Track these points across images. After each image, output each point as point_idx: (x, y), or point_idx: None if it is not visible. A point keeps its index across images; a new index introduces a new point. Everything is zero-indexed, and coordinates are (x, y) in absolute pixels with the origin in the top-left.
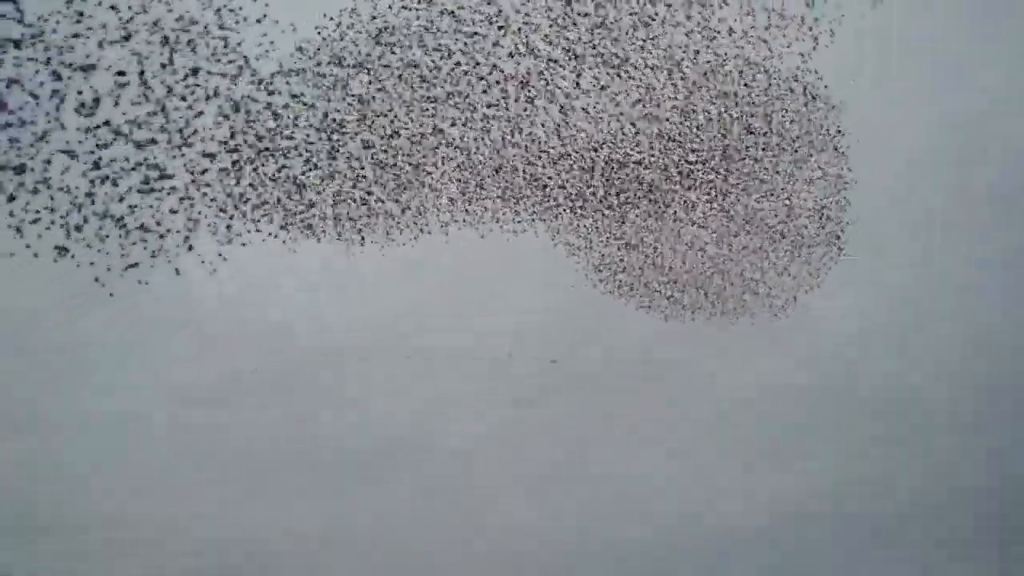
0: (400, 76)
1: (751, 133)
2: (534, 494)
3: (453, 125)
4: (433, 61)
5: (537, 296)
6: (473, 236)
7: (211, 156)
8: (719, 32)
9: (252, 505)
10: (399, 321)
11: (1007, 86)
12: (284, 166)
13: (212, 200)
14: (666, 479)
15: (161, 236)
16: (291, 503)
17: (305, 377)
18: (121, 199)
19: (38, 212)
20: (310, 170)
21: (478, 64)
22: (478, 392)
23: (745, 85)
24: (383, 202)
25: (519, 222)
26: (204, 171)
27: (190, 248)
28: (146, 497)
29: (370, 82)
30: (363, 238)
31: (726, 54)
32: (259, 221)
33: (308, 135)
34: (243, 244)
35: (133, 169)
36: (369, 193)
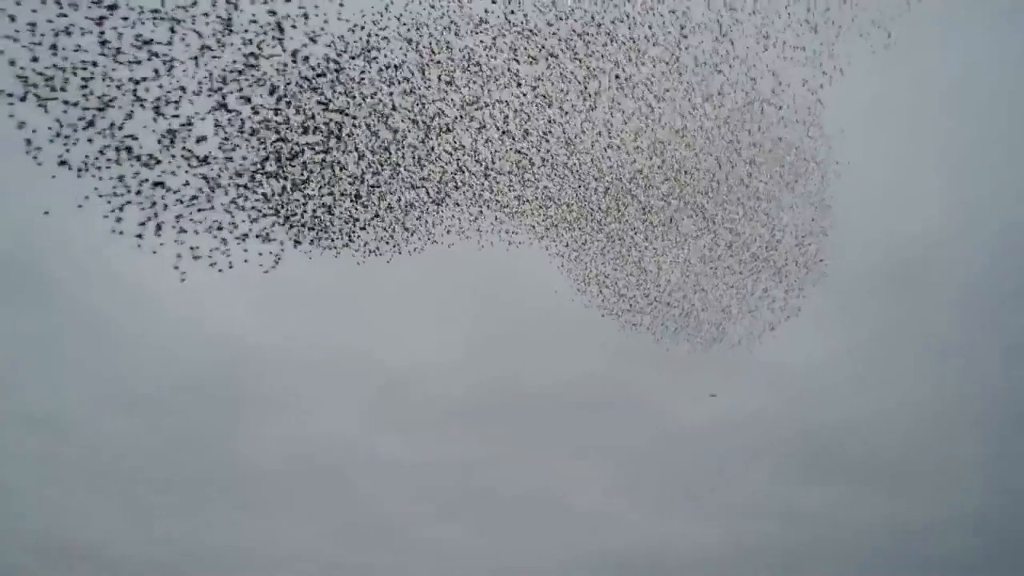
0: (429, 86)
1: (749, 163)
2: (472, 511)
3: (480, 131)
4: (464, 75)
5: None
6: (472, 247)
7: (288, 159)
8: (732, 60)
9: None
10: (355, 334)
11: (998, 123)
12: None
13: (268, 205)
14: (621, 496)
15: (221, 230)
16: (228, 515)
17: (251, 385)
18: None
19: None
20: (366, 184)
21: (497, 79)
22: (434, 406)
23: (748, 112)
24: (420, 217)
25: (516, 233)
26: (257, 175)
27: (267, 239)
28: (82, 498)
29: (413, 102)
30: (377, 248)
31: (735, 84)
32: (292, 228)
33: (365, 149)
34: (297, 243)
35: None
36: (408, 209)
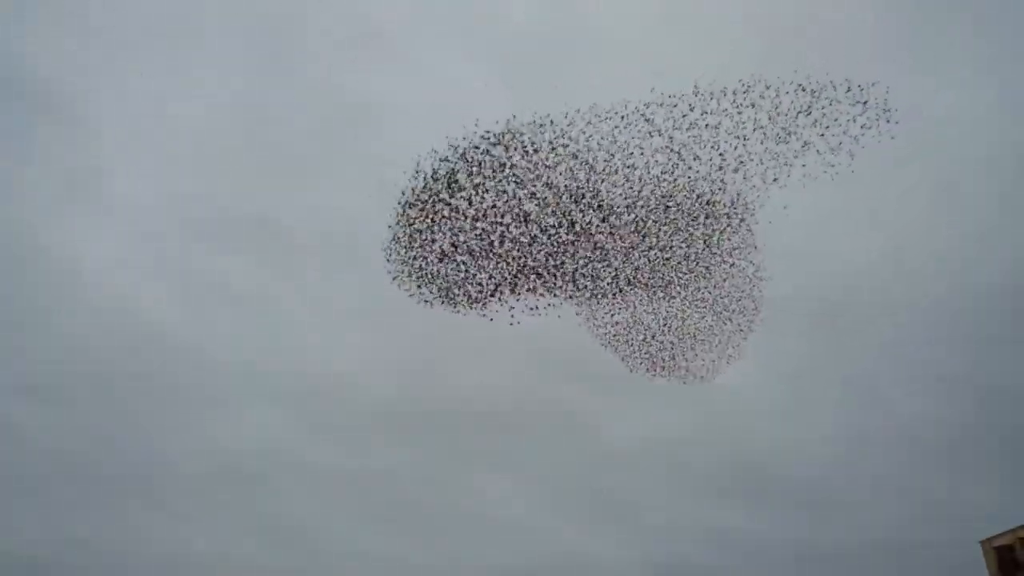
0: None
1: (676, 232)
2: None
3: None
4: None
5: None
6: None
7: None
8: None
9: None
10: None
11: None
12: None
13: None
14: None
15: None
16: (148, 515)
17: (184, 384)
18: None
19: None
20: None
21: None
22: (364, 414)
23: (698, 198)
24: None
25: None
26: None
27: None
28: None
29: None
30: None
31: (689, 175)
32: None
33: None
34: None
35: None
36: (495, 280)
